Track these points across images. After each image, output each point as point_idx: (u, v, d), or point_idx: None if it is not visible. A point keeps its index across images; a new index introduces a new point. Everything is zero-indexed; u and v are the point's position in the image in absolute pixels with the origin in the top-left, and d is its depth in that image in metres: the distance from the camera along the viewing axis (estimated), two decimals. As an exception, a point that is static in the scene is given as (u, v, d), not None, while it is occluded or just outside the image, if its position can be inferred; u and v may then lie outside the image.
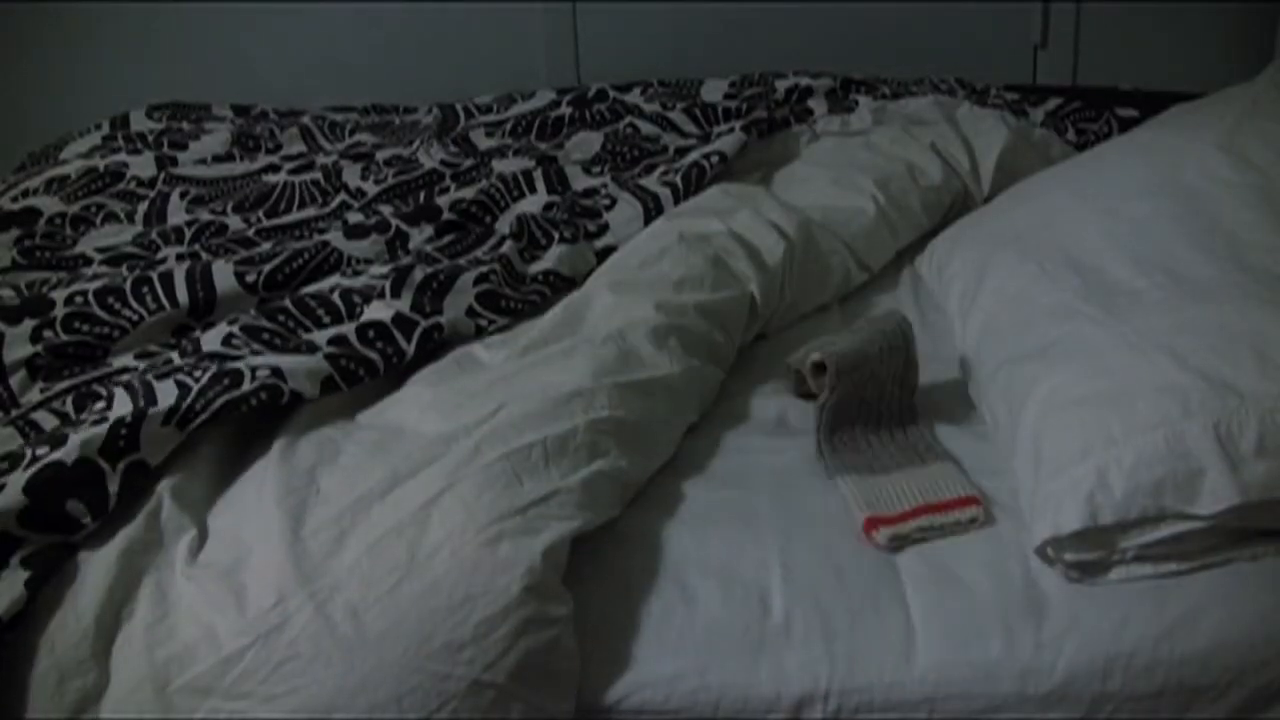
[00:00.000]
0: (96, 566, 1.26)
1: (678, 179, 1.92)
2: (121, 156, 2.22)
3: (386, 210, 1.93)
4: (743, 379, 1.61)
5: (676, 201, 1.89)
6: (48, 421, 1.51)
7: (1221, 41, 2.90)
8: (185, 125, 2.40)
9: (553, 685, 1.17)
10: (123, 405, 1.40)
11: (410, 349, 1.55)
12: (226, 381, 1.42)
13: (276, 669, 1.16)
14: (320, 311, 1.61)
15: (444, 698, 1.14)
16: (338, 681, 1.15)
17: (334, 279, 1.75)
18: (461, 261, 1.73)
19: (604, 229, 1.87)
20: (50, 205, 2.06)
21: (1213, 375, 1.24)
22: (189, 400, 1.39)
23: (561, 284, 1.73)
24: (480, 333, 1.62)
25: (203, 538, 1.30)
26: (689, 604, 1.25)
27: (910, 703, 1.18)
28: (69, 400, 1.54)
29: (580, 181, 1.99)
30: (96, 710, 1.18)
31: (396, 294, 1.62)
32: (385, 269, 1.72)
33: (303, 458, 1.35)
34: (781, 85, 2.36)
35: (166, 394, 1.40)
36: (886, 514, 1.32)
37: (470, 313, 1.63)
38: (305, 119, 2.43)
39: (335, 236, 1.85)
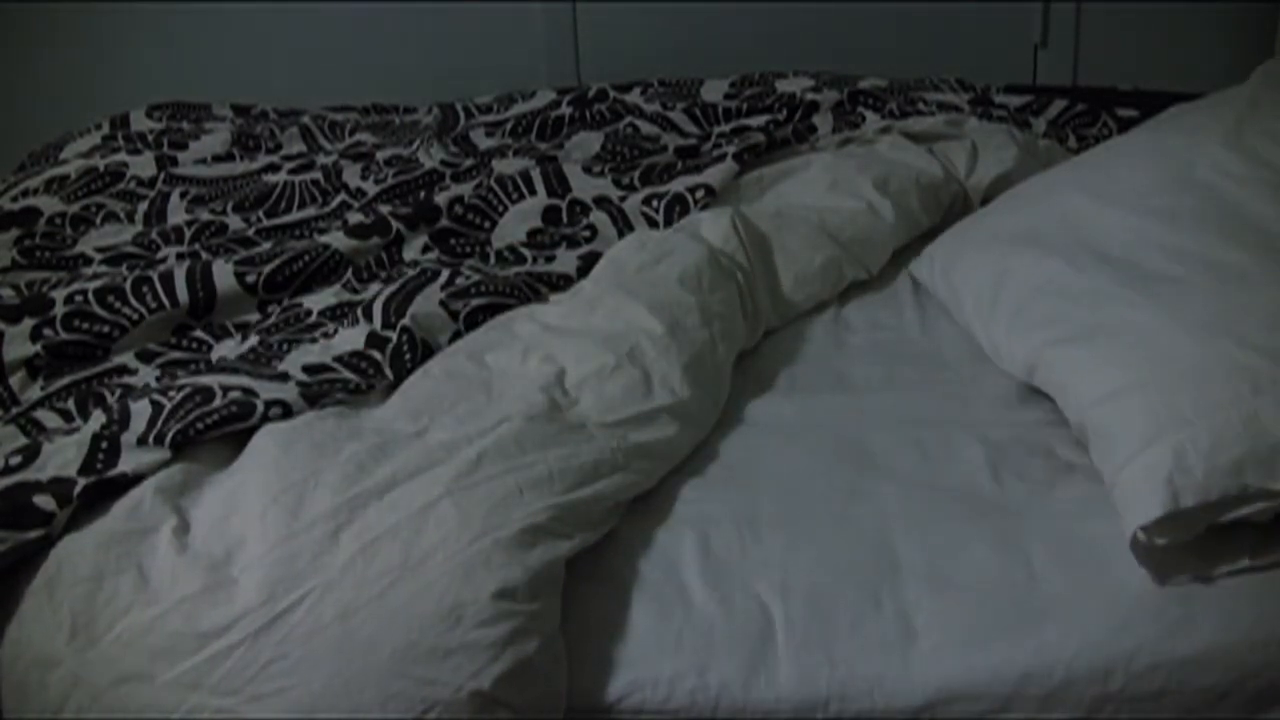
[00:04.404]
0: (74, 557, 1.26)
1: (659, 210, 1.90)
2: (121, 156, 2.22)
3: (385, 210, 1.93)
4: (743, 379, 1.61)
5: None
6: (50, 419, 1.51)
7: (1221, 41, 2.90)
8: (185, 125, 2.40)
9: (540, 694, 1.17)
10: (95, 423, 1.42)
11: (385, 363, 1.54)
12: (199, 399, 1.43)
13: (264, 668, 1.16)
14: (293, 343, 1.62)
15: (429, 703, 1.14)
16: (324, 683, 1.15)
17: (327, 294, 1.75)
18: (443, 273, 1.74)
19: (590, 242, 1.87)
20: (50, 205, 2.06)
21: (1276, 353, 1.24)
22: (162, 418, 1.41)
23: (545, 279, 1.75)
24: (455, 318, 1.62)
25: (190, 529, 1.29)
26: (688, 605, 1.25)
27: (911, 706, 1.18)
28: (70, 398, 1.55)
29: (578, 182, 1.98)
30: (79, 703, 1.18)
31: (368, 317, 1.63)
32: (372, 292, 1.72)
33: (302, 453, 1.35)
34: (783, 87, 2.35)
35: (140, 414, 1.42)
36: None
37: (441, 304, 1.64)
38: (305, 119, 2.43)
39: (336, 237, 1.85)
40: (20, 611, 1.24)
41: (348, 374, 1.52)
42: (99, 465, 1.36)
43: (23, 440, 1.46)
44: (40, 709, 1.19)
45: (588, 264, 1.78)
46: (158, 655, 1.18)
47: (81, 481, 1.33)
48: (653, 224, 1.88)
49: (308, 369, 1.52)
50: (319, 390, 1.47)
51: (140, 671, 1.17)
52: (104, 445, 1.39)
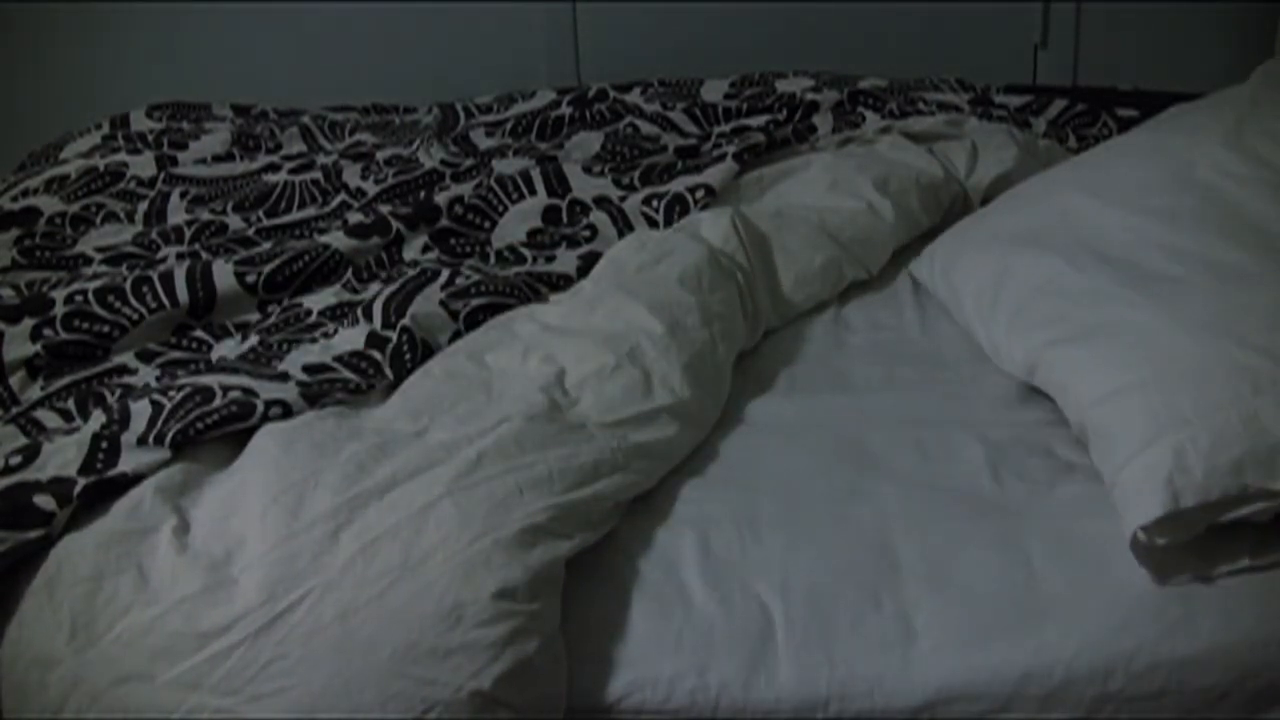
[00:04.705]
0: (73, 557, 1.26)
1: (659, 210, 1.90)
2: (121, 156, 2.22)
3: (385, 210, 1.93)
4: (743, 379, 1.61)
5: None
6: (50, 419, 1.51)
7: (1221, 41, 2.90)
8: (185, 125, 2.40)
9: (540, 694, 1.17)
10: (95, 422, 1.42)
11: (385, 363, 1.54)
12: (199, 399, 1.43)
13: (264, 668, 1.16)
14: (293, 344, 1.62)
15: (429, 703, 1.14)
16: (324, 683, 1.15)
17: (327, 294, 1.75)
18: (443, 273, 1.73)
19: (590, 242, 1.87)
20: (50, 205, 2.06)
21: (1276, 353, 1.25)
22: (162, 418, 1.41)
23: (546, 279, 1.75)
24: (455, 318, 1.62)
25: (190, 529, 1.29)
26: (688, 604, 1.25)
27: (911, 705, 1.18)
28: (70, 398, 1.55)
29: (578, 182, 1.98)
30: (79, 704, 1.18)
31: (369, 317, 1.63)
32: (372, 291, 1.72)
33: (303, 453, 1.35)
34: (783, 88, 2.35)
35: (140, 414, 1.42)
36: None
37: (441, 304, 1.64)
38: (305, 119, 2.43)
39: (336, 237, 1.85)
40: (20, 611, 1.24)
41: (348, 374, 1.52)
42: (99, 465, 1.36)
43: (23, 440, 1.46)
44: (40, 709, 1.19)
45: (588, 264, 1.78)
46: (158, 655, 1.18)
47: (81, 481, 1.33)
48: (653, 224, 1.88)
49: (308, 369, 1.52)
50: (319, 390, 1.47)
51: (140, 671, 1.17)
52: (104, 445, 1.39)
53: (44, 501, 1.30)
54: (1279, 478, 1.20)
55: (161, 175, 2.17)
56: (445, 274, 1.71)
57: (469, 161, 2.13)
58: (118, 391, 1.56)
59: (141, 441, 1.39)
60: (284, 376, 1.50)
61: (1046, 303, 1.50)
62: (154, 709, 1.16)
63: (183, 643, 1.18)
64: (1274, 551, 1.23)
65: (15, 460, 1.37)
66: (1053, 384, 1.44)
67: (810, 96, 2.28)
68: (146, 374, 1.61)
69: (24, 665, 1.20)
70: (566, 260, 1.80)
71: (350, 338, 1.60)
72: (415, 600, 1.18)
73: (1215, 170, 1.58)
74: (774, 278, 1.76)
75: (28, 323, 1.65)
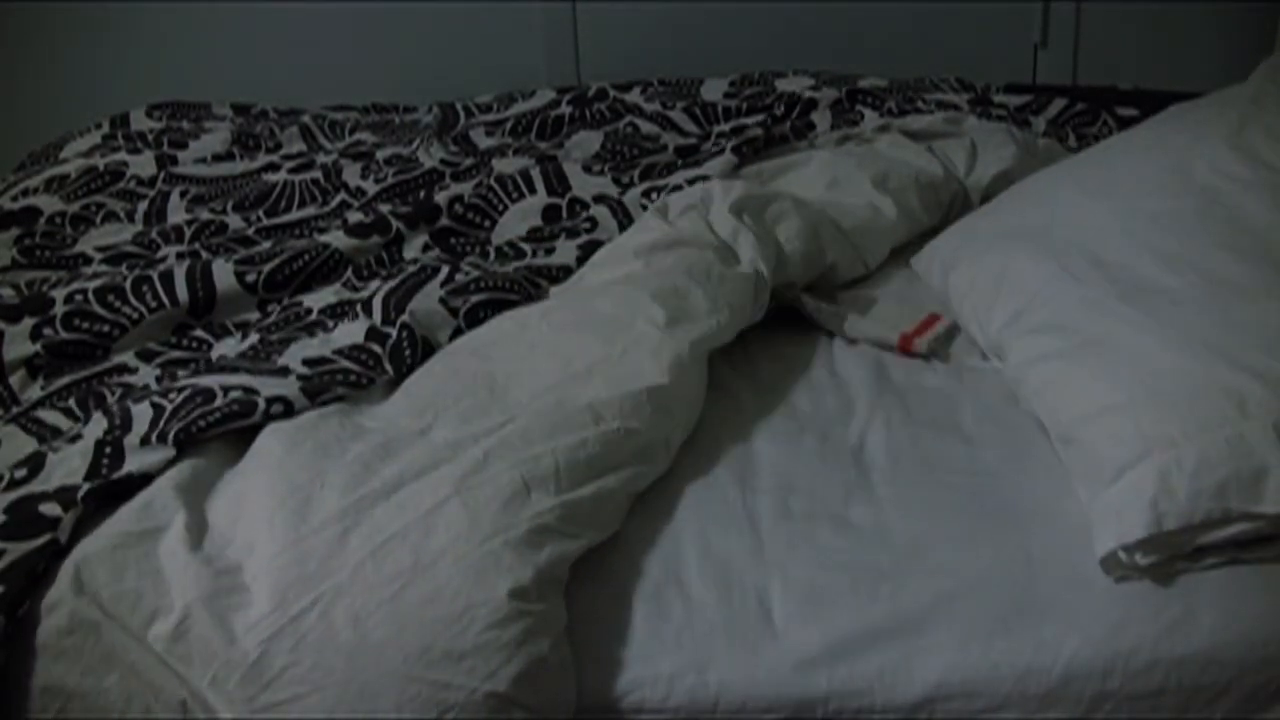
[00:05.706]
0: (91, 562, 1.25)
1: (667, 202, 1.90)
2: (121, 155, 2.22)
3: (385, 210, 1.93)
4: (743, 381, 1.61)
5: None
6: (51, 417, 1.51)
7: (1221, 41, 2.90)
8: (185, 124, 2.40)
9: (553, 693, 1.17)
10: (98, 428, 1.42)
11: (385, 357, 1.54)
12: (200, 400, 1.43)
13: (279, 675, 1.16)
14: (292, 340, 1.62)
15: (445, 707, 1.14)
16: (339, 689, 1.15)
17: (327, 293, 1.75)
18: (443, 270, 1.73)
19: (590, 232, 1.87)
20: (50, 204, 2.06)
21: (1266, 375, 1.24)
22: (164, 419, 1.40)
23: (545, 272, 1.74)
24: (455, 314, 1.62)
25: (201, 528, 1.29)
26: (687, 602, 1.25)
27: (910, 703, 1.18)
28: (71, 398, 1.55)
29: (578, 181, 1.98)
30: (147, 704, 1.18)
31: (368, 312, 1.63)
32: (371, 289, 1.71)
33: (308, 455, 1.35)
34: (783, 87, 2.36)
35: (141, 417, 1.42)
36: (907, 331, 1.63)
37: (441, 301, 1.64)
38: (305, 118, 2.43)
39: (336, 236, 1.85)
40: (49, 619, 1.22)
41: (348, 363, 1.52)
42: (104, 471, 1.36)
43: (24, 438, 1.46)
44: (106, 711, 1.18)
45: (587, 254, 1.77)
46: (177, 660, 1.18)
47: (85, 485, 1.33)
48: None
49: (308, 362, 1.52)
50: (320, 384, 1.47)
51: (164, 677, 1.17)
52: (108, 451, 1.38)
53: (49, 509, 1.30)
54: (1263, 501, 1.19)
55: (161, 174, 2.17)
56: (445, 271, 1.71)
57: (469, 161, 2.13)
58: (118, 391, 1.56)
59: (144, 442, 1.39)
60: (284, 371, 1.50)
61: (1041, 311, 1.49)
62: (205, 712, 1.16)
63: (198, 653, 1.18)
64: (1261, 548, 1.23)
65: (20, 474, 1.37)
66: (1039, 397, 1.43)
67: (810, 95, 2.28)
68: (146, 373, 1.61)
69: (78, 674, 1.19)
70: (566, 251, 1.80)
71: (350, 331, 1.60)
72: (427, 603, 1.18)
73: (1214, 171, 1.58)
74: (774, 262, 1.75)
75: (28, 322, 1.65)
